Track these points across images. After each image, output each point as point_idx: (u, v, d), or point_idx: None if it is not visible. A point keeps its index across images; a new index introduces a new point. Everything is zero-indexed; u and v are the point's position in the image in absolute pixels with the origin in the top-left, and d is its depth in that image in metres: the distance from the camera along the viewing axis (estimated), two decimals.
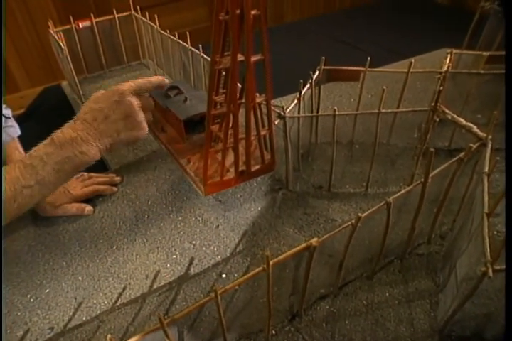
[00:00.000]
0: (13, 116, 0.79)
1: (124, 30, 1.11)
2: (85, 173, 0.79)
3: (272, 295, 0.46)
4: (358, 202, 0.73)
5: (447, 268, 0.57)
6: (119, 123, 0.56)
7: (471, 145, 0.52)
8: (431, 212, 0.59)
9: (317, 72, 0.74)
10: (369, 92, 0.93)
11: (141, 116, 0.57)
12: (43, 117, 1.11)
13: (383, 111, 0.65)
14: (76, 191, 0.74)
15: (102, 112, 0.55)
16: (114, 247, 0.69)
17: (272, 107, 0.59)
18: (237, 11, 0.45)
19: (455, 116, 0.61)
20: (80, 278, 0.64)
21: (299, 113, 0.69)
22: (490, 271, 0.39)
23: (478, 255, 0.41)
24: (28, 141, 0.80)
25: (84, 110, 0.56)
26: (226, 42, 0.49)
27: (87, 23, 1.05)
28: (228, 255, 0.66)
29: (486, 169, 0.49)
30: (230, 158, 0.60)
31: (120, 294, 0.61)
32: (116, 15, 1.08)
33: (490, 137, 0.54)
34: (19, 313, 0.60)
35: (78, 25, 1.04)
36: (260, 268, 0.41)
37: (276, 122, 0.64)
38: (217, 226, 0.71)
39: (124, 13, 1.09)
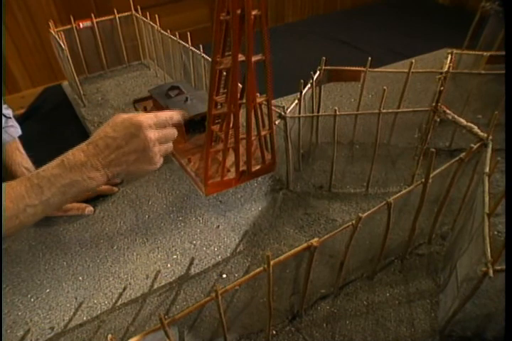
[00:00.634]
0: (14, 116, 0.79)
1: (125, 30, 1.11)
2: None
3: (273, 295, 0.46)
4: (358, 202, 0.73)
5: (448, 268, 0.57)
6: (131, 155, 0.55)
7: (472, 145, 0.52)
8: (431, 212, 0.59)
9: (318, 72, 0.74)
10: (369, 92, 0.93)
11: (154, 151, 0.56)
12: (44, 117, 1.11)
13: (384, 111, 0.65)
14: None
15: (115, 141, 0.54)
16: (115, 247, 0.69)
17: (273, 107, 0.59)
18: (238, 11, 0.45)
19: (456, 116, 0.61)
20: (80, 278, 0.64)
21: (299, 113, 0.69)
22: (490, 271, 0.39)
23: (479, 255, 0.41)
24: (28, 141, 0.80)
25: (99, 134, 0.55)
26: (227, 43, 0.50)
27: (87, 23, 1.05)
28: (229, 255, 0.66)
29: (487, 169, 0.49)
30: (231, 158, 0.60)
31: (121, 294, 0.61)
32: (117, 16, 1.08)
33: (490, 137, 0.54)
34: (20, 313, 0.60)
35: (79, 25, 1.04)
36: (261, 268, 0.41)
37: (276, 122, 0.64)
38: (218, 226, 0.71)
39: (125, 13, 1.09)
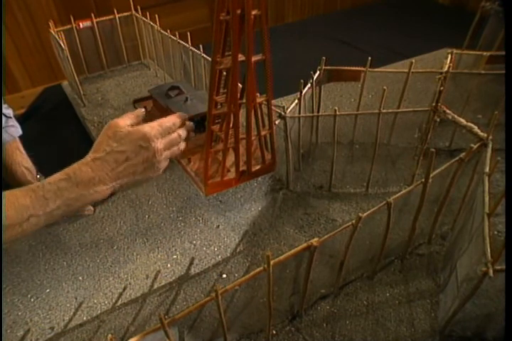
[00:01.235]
0: (14, 116, 0.79)
1: (125, 30, 1.11)
2: None
3: (273, 295, 0.46)
4: (358, 202, 0.73)
5: (448, 268, 0.57)
6: (139, 166, 0.55)
7: (472, 145, 0.52)
8: (431, 212, 0.59)
9: (318, 72, 0.74)
10: (369, 92, 0.93)
11: (161, 159, 0.57)
12: (44, 117, 1.11)
13: (384, 111, 0.65)
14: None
15: (124, 154, 0.54)
16: (115, 247, 0.69)
17: (273, 107, 0.59)
18: (238, 11, 0.45)
19: (456, 116, 0.61)
20: (80, 277, 0.64)
21: (299, 113, 0.69)
22: (490, 271, 0.39)
23: (479, 255, 0.41)
24: (28, 141, 0.80)
25: (104, 149, 0.54)
26: (227, 43, 0.50)
27: (87, 23, 1.05)
28: (229, 255, 0.66)
29: (487, 169, 0.49)
30: (231, 158, 0.60)
31: (121, 294, 0.61)
32: (117, 16, 1.08)
33: (490, 137, 0.54)
34: (20, 313, 0.60)
35: (79, 25, 1.04)
36: (261, 268, 0.41)
37: (276, 122, 0.64)
38: (218, 226, 0.71)
39: (125, 13, 1.09)
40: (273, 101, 0.57)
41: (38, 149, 0.78)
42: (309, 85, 0.72)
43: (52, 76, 1.66)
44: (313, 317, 0.56)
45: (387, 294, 0.59)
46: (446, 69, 0.71)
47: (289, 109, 0.66)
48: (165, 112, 0.71)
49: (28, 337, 0.57)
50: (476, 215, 0.47)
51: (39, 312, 0.60)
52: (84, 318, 0.59)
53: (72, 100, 1.09)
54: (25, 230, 0.51)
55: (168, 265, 0.65)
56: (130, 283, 0.63)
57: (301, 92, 0.69)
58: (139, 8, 1.08)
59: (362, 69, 0.74)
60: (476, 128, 0.56)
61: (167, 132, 0.57)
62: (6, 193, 0.51)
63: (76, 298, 0.61)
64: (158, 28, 1.01)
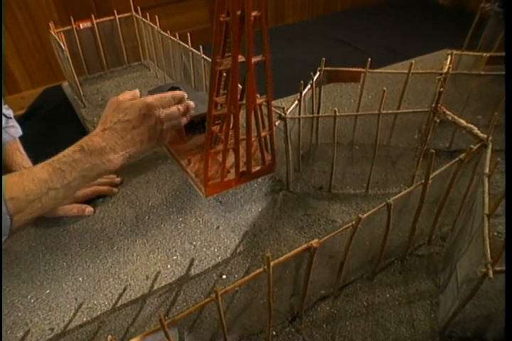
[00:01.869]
0: (14, 117, 0.79)
1: (125, 31, 1.11)
2: None
3: (273, 296, 0.46)
4: (358, 203, 0.73)
5: (448, 269, 0.57)
6: (145, 135, 0.59)
7: (472, 146, 0.52)
8: (431, 213, 0.59)
9: (318, 73, 0.74)
10: (369, 93, 0.93)
11: (163, 128, 0.61)
12: (44, 118, 1.11)
13: (384, 112, 0.65)
14: (77, 192, 0.74)
15: (130, 123, 0.58)
16: (115, 248, 0.69)
17: (273, 108, 0.59)
18: (238, 12, 0.45)
19: (455, 117, 0.61)
20: (80, 278, 0.64)
21: (299, 114, 0.69)
22: (490, 272, 0.39)
23: (479, 256, 0.41)
24: (28, 142, 0.80)
25: (111, 120, 0.58)
26: (227, 44, 0.50)
27: (87, 24, 1.05)
28: (229, 256, 0.66)
29: (487, 170, 0.49)
30: (231, 159, 0.60)
31: (121, 295, 0.61)
32: (117, 16, 1.08)
33: (490, 138, 0.54)
34: (19, 314, 0.60)
35: (79, 26, 1.04)
36: (261, 269, 0.41)
37: (276, 123, 0.64)
38: (218, 227, 0.71)
39: (125, 14, 1.09)
40: (273, 102, 0.57)
41: (38, 150, 0.78)
42: (309, 86, 0.72)
43: (52, 77, 1.66)
44: (313, 318, 0.56)
45: (387, 295, 0.59)
46: (446, 70, 0.71)
47: (289, 110, 0.66)
48: None
49: (28, 338, 0.57)
50: (476, 216, 0.47)
51: (39, 313, 0.60)
52: (84, 319, 0.59)
53: (72, 101, 1.10)
54: (45, 205, 0.54)
55: (168, 266, 0.65)
56: (130, 284, 0.63)
57: (301, 93, 0.69)
58: (139, 9, 1.08)
59: (362, 70, 0.74)
60: (475, 129, 0.56)
61: (167, 105, 0.61)
62: (24, 170, 0.54)
63: (76, 299, 0.61)
64: (158, 29, 1.01)
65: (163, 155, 0.86)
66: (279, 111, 0.64)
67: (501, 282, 0.39)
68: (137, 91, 0.64)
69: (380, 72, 0.78)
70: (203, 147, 0.60)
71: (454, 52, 0.78)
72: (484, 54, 0.78)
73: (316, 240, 0.44)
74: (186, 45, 0.91)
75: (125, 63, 1.19)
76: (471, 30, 0.99)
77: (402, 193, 0.49)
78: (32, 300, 0.62)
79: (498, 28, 0.93)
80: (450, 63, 0.73)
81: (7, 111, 0.77)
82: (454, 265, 0.52)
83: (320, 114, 0.79)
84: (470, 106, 0.79)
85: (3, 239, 0.54)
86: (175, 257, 0.67)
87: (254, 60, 0.49)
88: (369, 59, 0.72)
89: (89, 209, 0.74)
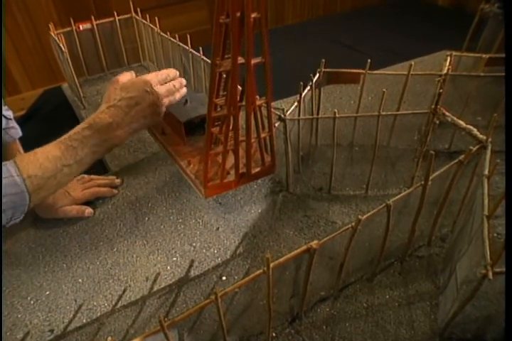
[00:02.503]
0: (14, 118, 0.79)
1: (125, 32, 1.12)
2: (86, 175, 0.79)
3: (272, 297, 0.46)
4: (358, 204, 0.73)
5: (447, 270, 0.57)
6: (146, 110, 0.62)
7: (471, 147, 0.52)
8: (431, 214, 0.59)
9: (317, 75, 0.74)
10: (369, 94, 0.93)
11: (163, 103, 0.64)
12: (44, 119, 1.11)
13: (383, 113, 0.65)
14: (76, 193, 0.74)
15: (133, 100, 0.61)
16: (115, 249, 0.69)
17: (272, 109, 0.59)
18: (238, 14, 0.45)
19: (455, 118, 0.61)
20: (80, 280, 0.64)
21: (299, 115, 0.69)
22: (490, 274, 0.39)
23: (479, 257, 0.41)
24: (28, 143, 0.80)
25: (114, 98, 0.61)
26: (227, 45, 0.50)
27: (87, 26, 1.05)
28: (228, 257, 0.66)
29: (486, 171, 0.49)
30: (231, 160, 0.60)
31: (120, 296, 0.61)
32: (117, 18, 1.08)
33: (490, 139, 0.54)
34: (19, 315, 0.60)
35: (79, 28, 1.04)
36: (260, 271, 0.41)
37: (276, 124, 0.64)
38: (218, 228, 0.71)
39: (125, 16, 1.09)
40: (273, 104, 0.57)
41: None
42: (309, 87, 0.72)
43: (52, 78, 1.66)
44: (313, 320, 0.56)
45: (387, 296, 0.59)
46: (445, 71, 0.71)
47: (288, 112, 0.66)
48: (165, 114, 0.71)
49: (28, 339, 0.57)
50: (476, 217, 0.47)
51: (39, 314, 0.60)
52: (84, 321, 0.59)
53: (72, 102, 1.10)
54: (60, 181, 0.57)
55: (168, 267, 0.65)
56: (130, 286, 0.63)
57: (301, 94, 0.69)
58: (138, 10, 1.08)
59: (361, 71, 0.74)
60: (475, 131, 0.57)
61: (164, 81, 0.65)
62: (37, 150, 0.57)
63: (76, 301, 0.61)
64: (158, 30, 1.01)
65: (162, 156, 0.86)
66: (278, 113, 0.64)
67: (501, 283, 0.39)
68: (133, 72, 0.68)
69: (379, 73, 0.78)
70: (202, 148, 0.60)
71: (454, 53, 0.78)
72: (483, 55, 0.78)
73: (315, 241, 0.44)
74: (186, 47, 0.91)
75: (125, 64, 1.19)
76: (471, 31, 0.99)
77: (401, 194, 0.49)
78: (32, 302, 0.62)
79: (497, 29, 0.93)
80: (449, 64, 0.73)
81: (7, 112, 0.77)
82: (453, 266, 0.52)
83: (320, 115, 0.79)
84: (469, 107, 0.79)
85: (20, 218, 0.57)
86: (175, 258, 0.67)
87: (253, 61, 0.49)
88: (368, 60, 0.72)
89: (88, 210, 0.74)
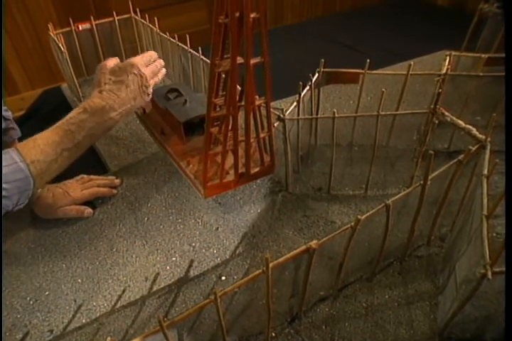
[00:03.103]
0: (13, 118, 0.79)
1: (124, 32, 1.11)
2: (85, 176, 0.79)
3: (272, 297, 0.46)
4: (357, 204, 0.73)
5: (447, 270, 0.57)
6: (136, 91, 0.65)
7: (471, 147, 0.52)
8: (430, 213, 0.59)
9: (316, 74, 0.74)
10: (368, 94, 0.93)
11: (149, 84, 0.67)
12: (43, 119, 1.11)
13: (382, 113, 0.65)
14: (76, 193, 0.74)
15: (123, 83, 0.64)
16: (114, 249, 0.69)
17: (272, 109, 0.59)
18: (237, 14, 0.45)
19: (454, 118, 0.61)
20: (79, 280, 0.64)
21: (298, 115, 0.69)
22: (489, 273, 0.39)
23: (478, 257, 0.41)
24: None
25: (105, 82, 0.64)
26: (226, 45, 0.50)
27: (86, 26, 1.05)
28: (228, 257, 0.66)
29: (486, 171, 0.49)
30: (230, 160, 0.60)
31: (120, 296, 0.61)
32: (116, 18, 1.08)
33: (489, 139, 0.54)
34: (19, 316, 0.60)
35: (78, 28, 1.04)
36: (260, 271, 0.41)
37: (275, 124, 0.64)
38: (217, 228, 0.71)
39: (124, 16, 1.09)
40: (272, 104, 0.57)
41: None
42: (308, 87, 0.72)
43: (51, 78, 1.66)
44: (313, 320, 0.56)
45: (386, 296, 0.59)
46: (444, 71, 0.71)
47: (287, 111, 0.66)
48: (164, 114, 0.71)
49: (27, 339, 0.57)
50: (475, 217, 0.47)
51: (38, 314, 0.60)
52: (84, 321, 0.59)
53: (71, 102, 1.10)
54: (60, 165, 0.60)
55: (168, 267, 0.65)
56: (129, 286, 0.63)
57: (300, 94, 0.69)
58: (138, 10, 1.08)
59: (361, 71, 0.74)
60: (474, 130, 0.57)
61: (148, 63, 0.68)
62: (36, 136, 0.59)
63: (75, 301, 0.61)
64: (157, 31, 1.01)
65: (162, 156, 0.86)
66: (278, 113, 0.64)
67: (500, 283, 0.39)
68: (117, 58, 0.71)
69: (378, 73, 0.78)
70: (202, 148, 0.60)
71: (453, 53, 0.78)
72: (483, 55, 0.78)
73: (315, 241, 0.44)
74: (185, 47, 0.91)
75: None
76: (470, 31, 0.99)
77: (401, 194, 0.49)
78: (31, 302, 0.62)
79: (496, 29, 0.93)
80: (449, 64, 0.73)
81: (6, 112, 0.77)
82: (453, 266, 0.52)
83: (319, 115, 0.79)
84: (469, 107, 0.79)
85: (25, 203, 0.59)
86: (174, 258, 0.67)
87: (253, 61, 0.49)
88: (368, 60, 0.72)
89: (88, 210, 0.74)
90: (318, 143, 0.83)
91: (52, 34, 0.98)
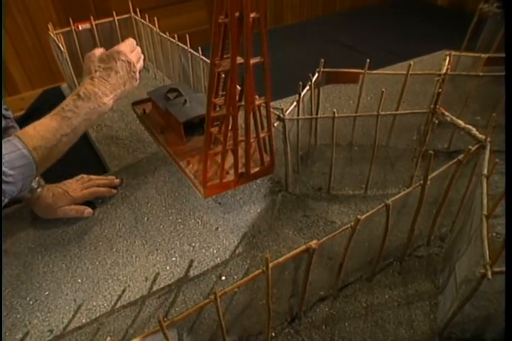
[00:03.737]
0: (13, 118, 0.79)
1: (124, 32, 1.11)
2: (85, 175, 0.79)
3: (272, 297, 0.46)
4: (357, 204, 0.73)
5: (447, 270, 0.57)
6: (125, 77, 0.68)
7: (470, 147, 0.52)
8: (430, 213, 0.59)
9: (316, 74, 0.74)
10: (368, 94, 0.93)
11: (136, 69, 0.70)
12: None
13: (382, 113, 0.65)
14: (76, 193, 0.74)
15: (112, 70, 0.67)
16: (114, 249, 0.69)
17: (272, 109, 0.59)
18: (237, 14, 0.45)
19: (454, 118, 0.61)
20: (79, 280, 0.64)
21: (298, 115, 0.69)
22: (489, 273, 0.39)
23: (478, 257, 0.41)
24: None
25: (96, 69, 0.67)
26: (226, 45, 0.50)
27: (86, 26, 1.05)
28: (228, 257, 0.66)
29: (485, 171, 0.49)
30: (230, 160, 0.60)
31: (120, 296, 0.61)
32: (116, 18, 1.08)
33: (489, 139, 0.54)
34: (18, 316, 0.60)
35: (78, 28, 1.04)
36: (260, 271, 0.41)
37: (275, 124, 0.64)
38: (217, 228, 0.71)
39: (124, 16, 1.09)
40: (272, 104, 0.57)
41: None
42: (308, 87, 0.72)
43: (51, 78, 1.66)
44: (313, 320, 0.56)
45: (386, 296, 0.59)
46: (444, 71, 0.71)
47: (287, 111, 0.66)
48: (164, 114, 0.71)
49: (27, 339, 0.57)
50: (475, 217, 0.47)
51: (38, 314, 0.60)
52: (84, 321, 0.59)
53: None
54: (60, 150, 0.61)
55: (167, 267, 0.65)
56: (129, 286, 0.63)
57: (300, 94, 0.69)
58: (137, 10, 1.08)
59: (360, 71, 0.74)
60: (474, 130, 0.57)
61: (132, 49, 0.72)
62: (35, 123, 0.60)
63: (75, 301, 0.61)
64: (157, 31, 1.01)
65: (162, 156, 0.86)
66: (277, 113, 0.64)
67: (500, 283, 0.39)
68: (102, 48, 0.73)
69: (378, 73, 0.78)
70: (201, 148, 0.60)
71: (453, 53, 0.78)
72: (483, 55, 0.78)
73: (315, 241, 0.44)
74: (185, 47, 0.91)
75: None
76: (470, 31, 0.99)
77: (400, 194, 0.49)
78: (31, 302, 0.62)
79: (496, 29, 0.93)
80: (449, 64, 0.73)
81: (6, 111, 0.77)
82: (452, 266, 0.52)
83: (319, 115, 0.79)
84: (468, 107, 0.79)
85: (27, 190, 0.60)
86: (174, 258, 0.67)
87: (252, 61, 0.49)
88: (368, 60, 0.72)
89: (88, 210, 0.74)
90: (318, 143, 0.83)
91: (52, 34, 0.98)
